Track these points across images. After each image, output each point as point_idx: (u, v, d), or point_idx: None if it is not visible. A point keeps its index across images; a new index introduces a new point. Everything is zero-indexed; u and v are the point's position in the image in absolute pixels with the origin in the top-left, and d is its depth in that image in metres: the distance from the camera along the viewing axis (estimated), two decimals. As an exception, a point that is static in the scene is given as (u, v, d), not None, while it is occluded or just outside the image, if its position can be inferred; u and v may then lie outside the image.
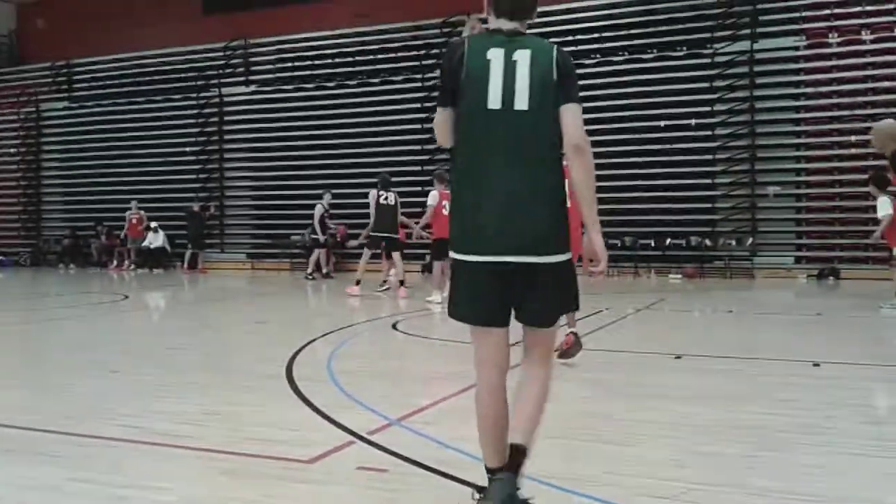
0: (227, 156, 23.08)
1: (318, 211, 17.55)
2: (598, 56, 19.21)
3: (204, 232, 21.37)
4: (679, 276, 17.14)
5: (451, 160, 2.87)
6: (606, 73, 18.78)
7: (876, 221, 11.47)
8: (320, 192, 18.26)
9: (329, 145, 21.11)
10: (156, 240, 21.89)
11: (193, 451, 3.85)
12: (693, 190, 17.88)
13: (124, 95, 24.52)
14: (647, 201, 18.03)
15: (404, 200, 13.58)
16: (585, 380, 5.88)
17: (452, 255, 2.81)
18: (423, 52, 20.82)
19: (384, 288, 13.58)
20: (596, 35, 19.42)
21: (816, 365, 6.14)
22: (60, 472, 3.50)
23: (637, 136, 18.15)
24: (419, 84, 20.48)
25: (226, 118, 23.07)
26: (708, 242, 17.68)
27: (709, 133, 17.91)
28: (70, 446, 3.96)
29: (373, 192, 12.89)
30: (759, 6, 18.02)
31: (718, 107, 17.84)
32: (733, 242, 17.58)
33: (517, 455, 2.74)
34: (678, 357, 6.59)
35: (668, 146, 17.94)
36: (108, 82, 25.23)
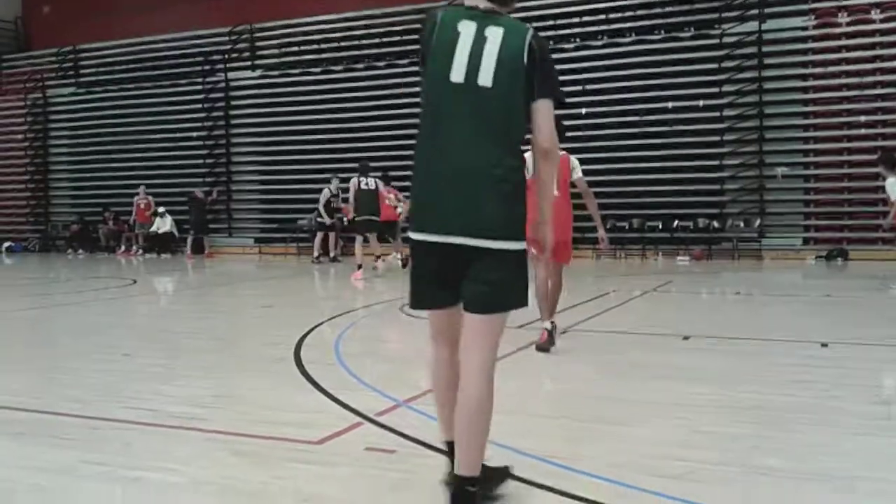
0: (233, 140, 23.06)
1: (325, 195, 17.64)
2: (605, 38, 19.08)
3: (207, 217, 21.43)
4: (686, 257, 17.09)
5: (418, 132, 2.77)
6: (614, 55, 18.65)
7: (885, 203, 11.41)
8: (327, 176, 18.25)
9: (336, 129, 21.06)
10: (163, 225, 21.96)
11: (204, 433, 3.89)
12: (701, 171, 17.78)
13: (131, 81, 24.49)
14: (655, 183, 17.94)
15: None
16: (591, 361, 5.90)
17: (408, 232, 2.77)
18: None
19: (379, 265, 13.78)
20: (603, 17, 19.26)
21: (824, 345, 6.14)
22: (73, 454, 3.54)
23: (644, 117, 18.04)
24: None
25: (232, 103, 23.04)
26: (716, 224, 17.61)
27: (717, 114, 17.79)
28: (82, 429, 4.01)
29: (354, 180, 13.46)
30: (768, -14, 17.86)
31: (726, 88, 17.70)
32: (741, 224, 17.51)
33: (461, 487, 2.54)
34: (685, 338, 6.60)
35: (675, 128, 17.83)
36: (114, 68, 25.19)
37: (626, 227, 17.98)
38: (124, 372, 5.55)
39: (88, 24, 24.86)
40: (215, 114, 23.09)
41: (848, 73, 17.28)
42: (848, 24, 17.33)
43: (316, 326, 7.49)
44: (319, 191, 17.95)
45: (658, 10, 18.79)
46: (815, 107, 17.53)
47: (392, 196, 15.25)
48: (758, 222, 17.33)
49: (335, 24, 22.36)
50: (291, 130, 21.74)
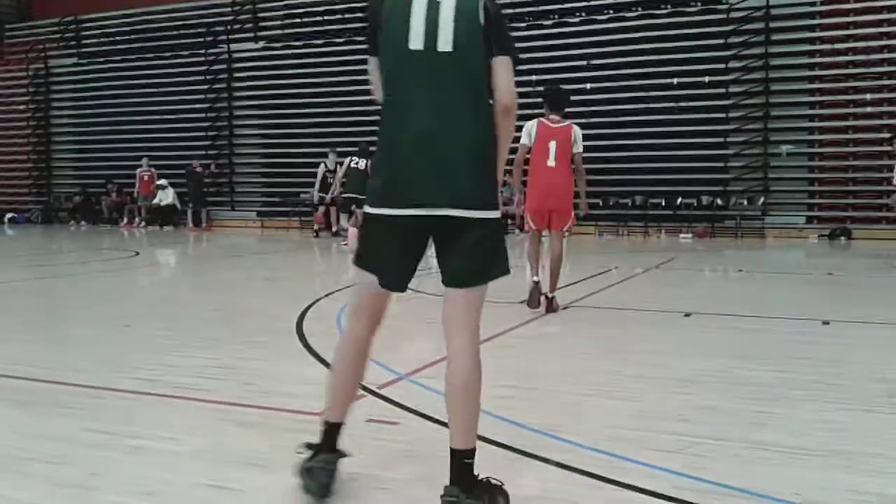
0: (236, 113, 22.96)
1: (321, 170, 17.69)
2: (610, 11, 18.91)
3: (204, 190, 21.42)
4: (689, 235, 17.08)
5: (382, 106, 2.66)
6: (619, 29, 18.50)
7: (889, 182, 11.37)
8: (329, 150, 18.20)
9: (338, 102, 20.92)
10: (166, 197, 21.94)
11: (206, 403, 3.91)
12: (705, 149, 17.69)
13: (133, 52, 24.35)
14: (659, 160, 17.87)
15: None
16: (592, 336, 5.91)
17: (366, 209, 2.62)
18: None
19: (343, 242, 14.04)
20: (609, -10, 19.10)
21: (826, 323, 6.14)
22: (75, 423, 3.56)
23: (649, 93, 17.92)
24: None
25: (235, 75, 22.91)
26: (719, 202, 17.57)
27: (722, 91, 17.67)
28: (85, 398, 4.03)
29: (347, 159, 13.95)
30: (776, -40, 17.66)
31: (733, 64, 17.58)
32: (745, 202, 17.47)
33: (458, 463, 2.51)
34: (687, 315, 6.61)
35: (680, 104, 17.72)
36: (116, 38, 25.04)
37: (629, 204, 17.94)
38: (128, 343, 5.57)
39: (90, -6, 24.70)
40: (218, 86, 22.97)
41: (855, 51, 17.15)
42: (856, 0, 17.16)
43: (318, 300, 7.51)
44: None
45: (665, -16, 18.60)
46: (821, 84, 17.41)
47: None
48: (761, 200, 17.29)
49: (338, -4, 22.17)
50: (294, 104, 21.63)
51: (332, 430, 2.76)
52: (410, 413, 3.68)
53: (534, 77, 17.66)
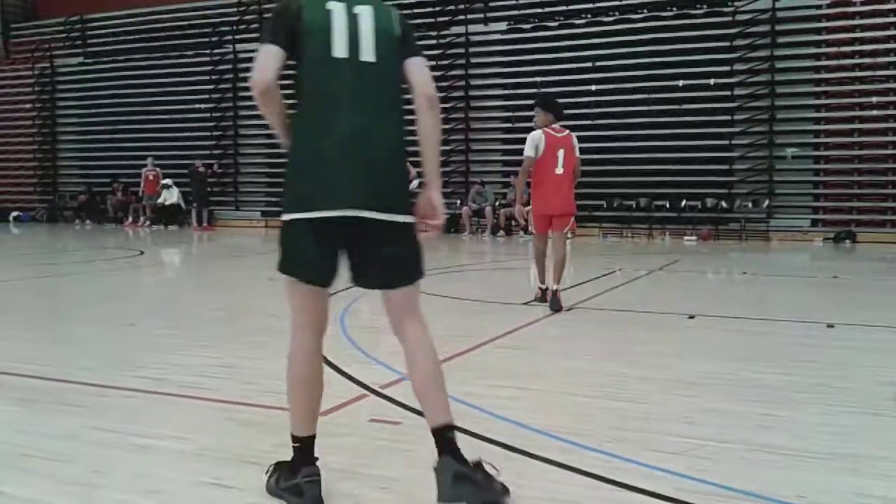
0: (241, 113, 23.00)
1: None
2: (616, 14, 18.90)
3: (207, 190, 21.44)
4: (694, 238, 17.05)
5: (293, 114, 2.67)
6: (625, 31, 18.48)
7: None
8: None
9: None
10: (170, 196, 21.99)
11: (211, 402, 3.92)
12: (710, 151, 17.68)
13: (138, 52, 24.40)
14: (663, 162, 17.84)
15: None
16: (596, 337, 5.91)
17: (285, 216, 2.58)
18: (438, 8, 20.60)
19: None
20: (615, -8, 19.09)
21: (831, 326, 6.13)
22: (80, 421, 3.57)
23: (654, 95, 17.91)
24: (434, 42, 20.25)
25: (240, 75, 22.93)
26: (724, 204, 17.53)
27: (728, 93, 17.65)
28: (89, 396, 4.04)
29: None
30: (783, -37, 17.63)
31: (738, 66, 17.55)
32: (749, 204, 17.42)
33: (443, 437, 2.63)
34: (691, 317, 6.59)
35: (685, 106, 17.70)
36: (122, 38, 25.09)
37: (634, 206, 17.92)
38: (132, 341, 5.59)
39: (96, -6, 24.76)
40: (223, 86, 23.01)
41: (861, 54, 17.10)
42: (862, 2, 17.13)
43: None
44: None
45: (671, -13, 18.59)
46: (827, 87, 17.36)
47: None
48: (766, 203, 17.24)
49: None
50: (299, 104, 21.62)
51: (308, 444, 2.71)
52: (413, 413, 3.67)
53: (538, 79, 17.71)
